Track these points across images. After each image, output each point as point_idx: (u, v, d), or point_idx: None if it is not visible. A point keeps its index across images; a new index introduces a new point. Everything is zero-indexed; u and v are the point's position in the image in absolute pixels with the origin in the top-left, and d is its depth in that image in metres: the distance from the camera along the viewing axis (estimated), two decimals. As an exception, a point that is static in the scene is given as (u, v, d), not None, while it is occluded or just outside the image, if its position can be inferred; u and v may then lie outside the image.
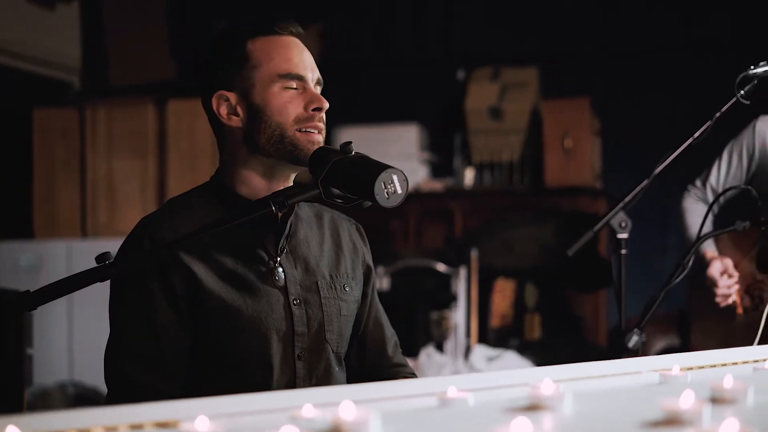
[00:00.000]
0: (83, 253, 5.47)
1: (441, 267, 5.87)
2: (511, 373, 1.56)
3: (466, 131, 6.86)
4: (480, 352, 5.48)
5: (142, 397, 1.96)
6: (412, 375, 2.33)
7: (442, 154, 7.05)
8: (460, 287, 5.80)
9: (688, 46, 6.77)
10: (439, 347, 5.71)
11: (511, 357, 5.30)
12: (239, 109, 2.08)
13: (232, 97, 2.08)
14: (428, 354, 5.42)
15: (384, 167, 1.86)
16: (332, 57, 7.01)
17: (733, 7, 6.62)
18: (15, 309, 1.80)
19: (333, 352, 2.13)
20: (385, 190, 1.85)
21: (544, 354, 5.46)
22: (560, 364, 1.59)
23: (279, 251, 2.10)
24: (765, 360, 1.89)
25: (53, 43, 6.43)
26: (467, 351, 5.65)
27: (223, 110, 2.10)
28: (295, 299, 2.08)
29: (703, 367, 1.81)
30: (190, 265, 2.01)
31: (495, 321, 6.15)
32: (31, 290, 1.83)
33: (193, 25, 6.93)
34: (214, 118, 2.13)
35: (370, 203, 1.96)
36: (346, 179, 1.91)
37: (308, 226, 2.20)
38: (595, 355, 5.38)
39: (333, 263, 2.20)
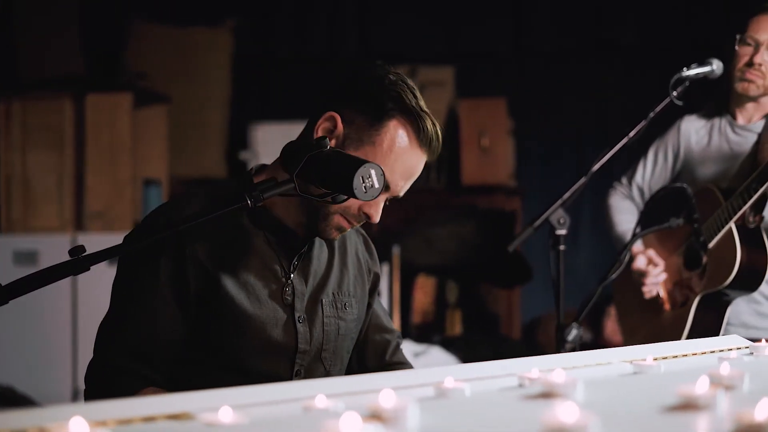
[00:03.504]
0: (-3, 250, 5.34)
1: (363, 264, 5.88)
2: (498, 364, 1.61)
3: (383, 129, 6.88)
4: (406, 347, 5.52)
5: (120, 379, 1.96)
6: None
7: (359, 152, 7.03)
8: (382, 283, 5.80)
9: (599, 47, 6.93)
10: (363, 343, 5.73)
11: (437, 352, 5.35)
12: (331, 143, 1.97)
13: (340, 130, 2.01)
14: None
15: (362, 161, 1.88)
16: (246, 53, 6.94)
17: (641, 10, 6.79)
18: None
19: (325, 370, 2.13)
20: (363, 184, 1.86)
21: (467, 349, 5.53)
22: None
23: (292, 267, 2.10)
24: (724, 350, 1.98)
25: (-38, 35, 6.25)
26: (390, 346, 5.68)
27: (322, 130, 2.02)
28: (300, 316, 2.08)
29: (666, 358, 1.88)
30: (212, 267, 2.00)
31: (417, 317, 6.21)
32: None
33: (104, 19, 6.81)
34: (309, 127, 2.06)
35: (345, 198, 1.98)
36: (323, 174, 1.91)
37: (319, 242, 2.17)
38: (513, 350, 5.48)
39: (337, 281, 2.18)
